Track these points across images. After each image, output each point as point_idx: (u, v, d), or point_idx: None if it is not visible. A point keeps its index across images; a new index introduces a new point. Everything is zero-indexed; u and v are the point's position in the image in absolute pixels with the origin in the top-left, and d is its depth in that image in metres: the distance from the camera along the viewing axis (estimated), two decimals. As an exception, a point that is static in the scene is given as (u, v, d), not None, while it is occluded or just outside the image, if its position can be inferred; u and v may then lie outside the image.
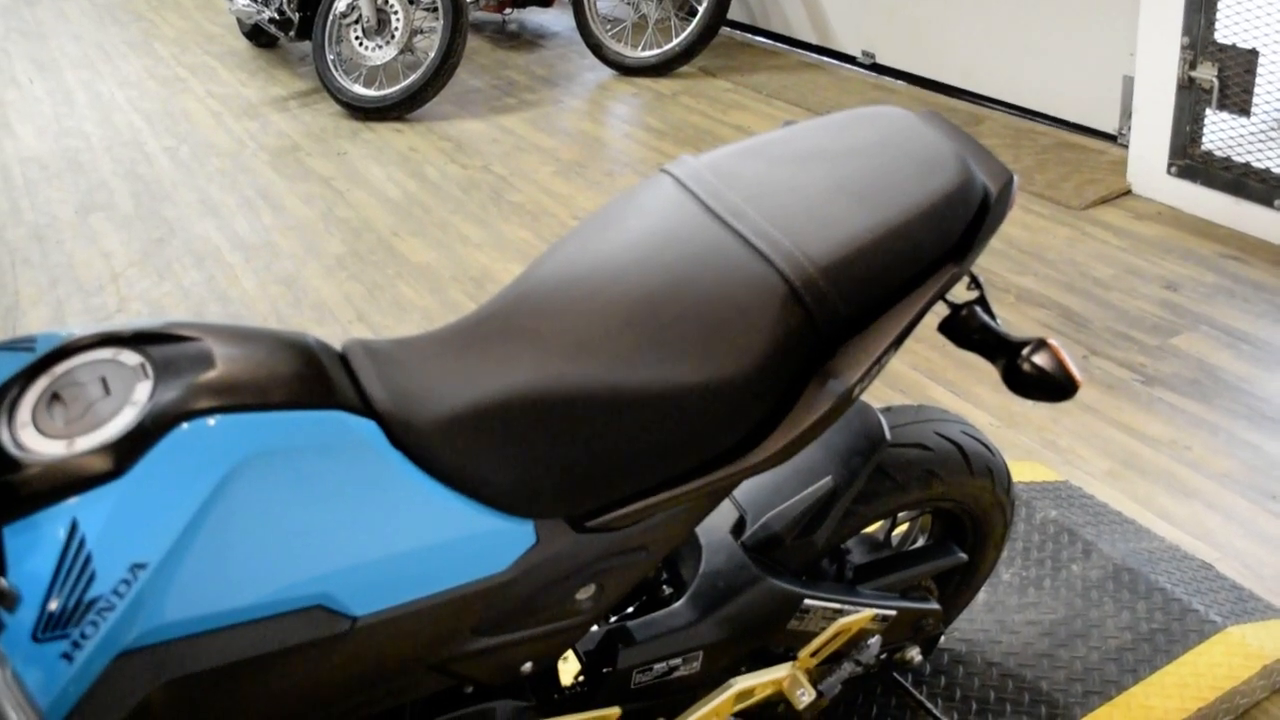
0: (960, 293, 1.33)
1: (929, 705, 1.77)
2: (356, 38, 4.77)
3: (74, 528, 0.85)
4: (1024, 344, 1.26)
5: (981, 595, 2.01)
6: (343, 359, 1.06)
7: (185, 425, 0.90)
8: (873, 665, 1.55)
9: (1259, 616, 1.96)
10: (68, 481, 0.86)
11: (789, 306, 1.11)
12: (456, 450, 1.02)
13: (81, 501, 0.86)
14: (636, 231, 1.19)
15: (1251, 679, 1.81)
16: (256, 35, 5.88)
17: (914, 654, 1.64)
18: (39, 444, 0.87)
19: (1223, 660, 1.84)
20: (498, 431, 1.03)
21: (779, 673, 1.43)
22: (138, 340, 0.96)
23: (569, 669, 1.38)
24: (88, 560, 0.84)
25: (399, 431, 1.00)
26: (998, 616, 1.96)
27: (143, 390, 0.91)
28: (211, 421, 0.91)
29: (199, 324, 1.01)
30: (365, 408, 1.01)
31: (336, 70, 4.81)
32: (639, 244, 1.18)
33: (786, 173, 1.22)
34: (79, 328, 0.98)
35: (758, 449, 1.13)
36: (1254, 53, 3.09)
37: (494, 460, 1.03)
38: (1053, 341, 1.26)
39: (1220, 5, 3.12)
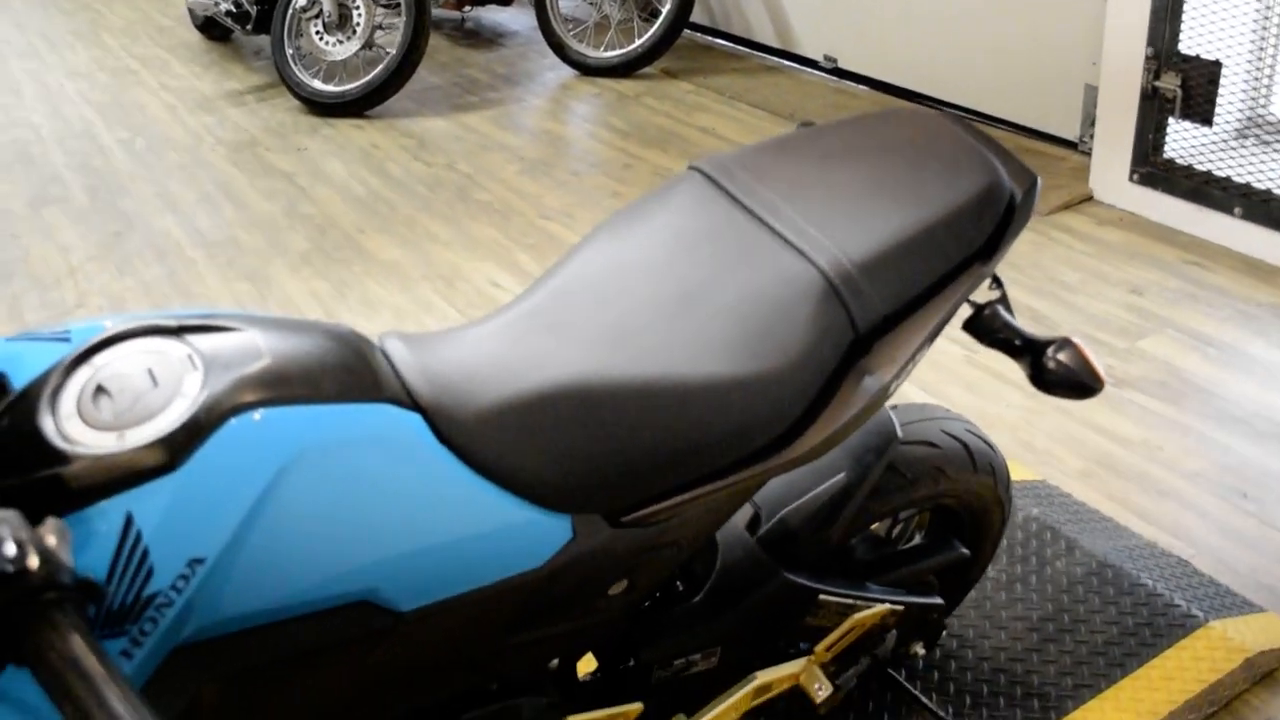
0: (982, 292, 1.35)
1: (925, 700, 1.79)
2: (317, 32, 4.72)
3: (129, 522, 0.83)
4: (1049, 343, 1.28)
5: (970, 592, 2.04)
6: (381, 351, 1.05)
7: (239, 418, 0.88)
8: (887, 658, 1.56)
9: (1237, 611, 2.01)
10: (121, 475, 0.83)
11: (828, 303, 1.12)
12: (497, 444, 1.01)
13: (136, 495, 0.83)
14: (671, 227, 1.19)
15: (1234, 671, 1.85)
16: (209, 28, 5.78)
17: (918, 647, 1.66)
18: (87, 436, 0.85)
19: (1206, 654, 1.89)
20: (538, 425, 1.03)
21: (796, 667, 1.44)
22: (181, 330, 0.94)
23: (587, 665, 1.37)
24: (145, 555, 0.82)
25: (442, 425, 0.99)
26: (986, 613, 1.99)
27: (193, 382, 0.89)
28: (265, 414, 0.89)
29: (239, 314, 0.99)
30: (410, 401, 1.00)
31: (296, 65, 4.75)
32: (674, 239, 1.18)
33: (819, 170, 1.23)
34: (115, 317, 0.96)
35: (793, 445, 1.13)
36: (1217, 64, 3.16)
37: (533, 454, 1.02)
38: (1077, 340, 1.28)
39: (1185, 17, 3.19)
